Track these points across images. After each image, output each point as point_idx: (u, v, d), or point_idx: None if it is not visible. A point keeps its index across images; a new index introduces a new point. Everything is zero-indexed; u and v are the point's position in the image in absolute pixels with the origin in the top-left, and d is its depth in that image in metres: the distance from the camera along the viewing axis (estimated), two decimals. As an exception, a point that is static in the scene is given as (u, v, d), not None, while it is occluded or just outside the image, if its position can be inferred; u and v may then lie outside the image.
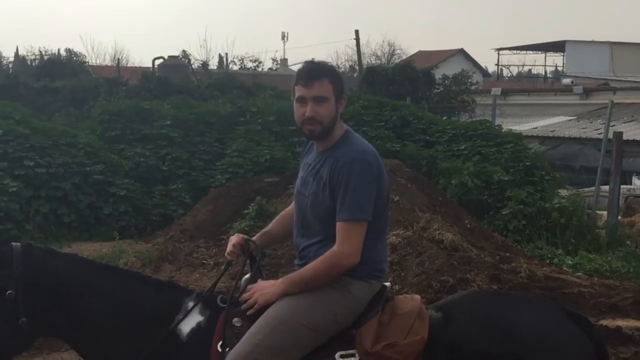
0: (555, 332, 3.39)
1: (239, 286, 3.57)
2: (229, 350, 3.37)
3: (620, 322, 8.85)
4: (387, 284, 3.62)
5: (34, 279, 3.42)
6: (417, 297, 3.63)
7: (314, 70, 3.52)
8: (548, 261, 11.82)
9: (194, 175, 14.73)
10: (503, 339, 3.34)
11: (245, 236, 3.73)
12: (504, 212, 13.37)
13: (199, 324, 3.50)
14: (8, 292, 3.35)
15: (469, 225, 12.27)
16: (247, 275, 3.62)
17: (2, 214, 11.89)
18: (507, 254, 11.29)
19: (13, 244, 3.49)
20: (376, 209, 3.47)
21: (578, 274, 11.26)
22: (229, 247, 3.70)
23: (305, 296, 3.42)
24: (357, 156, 3.43)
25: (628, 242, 12.85)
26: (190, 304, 3.54)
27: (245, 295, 3.48)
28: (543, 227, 12.99)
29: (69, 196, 13.13)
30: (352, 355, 3.37)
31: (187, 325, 3.49)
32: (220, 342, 3.39)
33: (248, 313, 3.44)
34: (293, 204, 3.78)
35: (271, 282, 3.51)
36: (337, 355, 3.38)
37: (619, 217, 13.76)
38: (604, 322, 8.77)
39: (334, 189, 3.43)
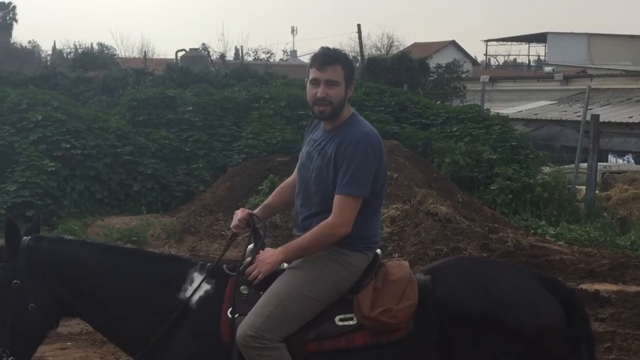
0: (529, 294, 3.38)
1: (245, 256, 3.50)
2: (238, 315, 3.31)
3: (598, 286, 8.81)
4: (379, 251, 3.56)
5: (41, 268, 3.40)
6: (406, 263, 3.58)
7: (329, 56, 3.45)
8: (532, 231, 11.77)
9: (213, 155, 14.68)
10: (485, 300, 3.32)
11: (250, 211, 3.66)
12: (492, 188, 13.33)
13: (207, 292, 3.43)
14: (14, 282, 3.36)
15: (460, 200, 12.24)
16: (251, 246, 3.55)
17: (42, 191, 11.89)
18: (496, 225, 11.26)
19: (24, 237, 3.46)
20: (375, 186, 3.42)
21: (560, 242, 11.20)
22: (234, 221, 3.63)
23: (310, 269, 3.37)
24: (362, 137, 3.37)
25: (605, 214, 12.80)
26: (196, 274, 3.48)
27: (249, 268, 3.41)
28: (528, 201, 12.95)
29: (102, 175, 13.12)
30: (351, 318, 3.33)
31: (195, 294, 3.43)
32: (230, 309, 3.34)
33: (254, 283, 3.38)
34: (292, 176, 3.71)
35: (271, 251, 3.44)
36: (337, 319, 3.35)
37: (597, 192, 13.70)
38: (584, 286, 8.72)
39: (337, 165, 3.37)
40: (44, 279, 3.39)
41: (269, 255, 3.41)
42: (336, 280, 3.37)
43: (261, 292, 3.37)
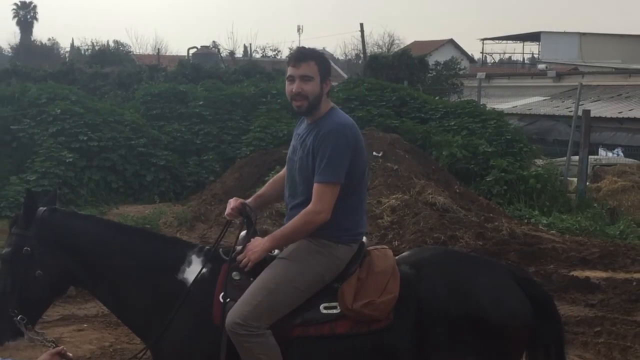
0: (506, 296, 3.38)
1: (237, 243, 3.48)
2: (229, 300, 3.30)
3: (588, 273, 8.77)
4: (365, 239, 3.54)
5: (51, 238, 3.41)
6: (390, 253, 3.53)
7: (302, 53, 3.47)
8: (526, 221, 11.73)
9: (222, 147, 14.68)
10: (464, 301, 3.31)
11: (242, 200, 3.63)
12: (488, 179, 13.27)
13: (202, 275, 3.41)
14: (25, 249, 3.37)
15: (457, 190, 12.19)
16: (244, 233, 3.53)
17: (61, 181, 11.91)
18: (491, 215, 11.21)
19: (40, 208, 3.48)
20: (354, 176, 3.39)
21: (552, 231, 11.15)
22: (228, 209, 3.60)
23: (297, 261, 3.35)
24: (335, 127, 3.36)
25: (595, 205, 12.74)
26: (194, 257, 3.47)
27: (239, 257, 3.39)
28: (522, 192, 12.90)
29: (117, 166, 13.13)
30: (335, 307, 3.32)
31: (192, 275, 3.41)
32: (222, 293, 3.33)
33: (244, 270, 3.37)
34: (284, 169, 3.69)
35: (259, 240, 3.42)
36: (321, 306, 3.33)
37: (587, 183, 13.64)
38: (575, 273, 8.69)
39: (315, 155, 3.36)
40: (52, 249, 3.40)
41: (257, 244, 3.39)
42: (321, 271, 3.35)
43: (252, 279, 3.35)
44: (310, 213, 3.33)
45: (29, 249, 3.36)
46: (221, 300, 3.31)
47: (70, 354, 3.50)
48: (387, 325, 3.29)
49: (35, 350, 3.46)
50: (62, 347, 3.41)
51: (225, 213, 3.62)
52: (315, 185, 3.33)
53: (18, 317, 3.32)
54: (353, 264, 3.41)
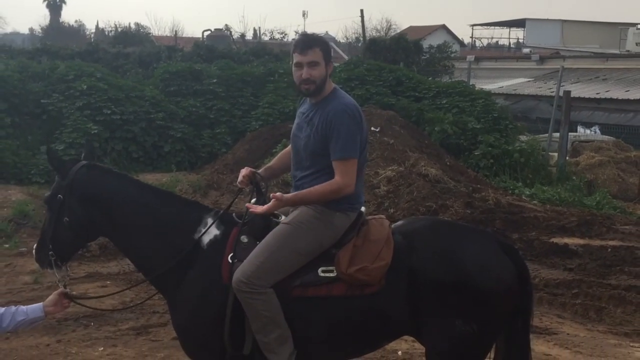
0: (492, 262, 3.29)
1: (247, 210, 3.42)
2: (236, 261, 3.28)
3: (567, 240, 8.73)
4: (363, 208, 3.49)
5: (80, 190, 3.41)
6: (387, 222, 3.46)
7: (308, 41, 3.40)
8: (510, 192, 11.67)
9: (234, 122, 14.59)
10: (453, 269, 3.22)
11: (253, 169, 3.57)
12: (476, 153, 13.19)
13: (215, 237, 3.39)
14: (58, 196, 3.42)
15: (448, 163, 12.12)
16: (254, 200, 3.47)
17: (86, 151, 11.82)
18: (478, 186, 11.15)
19: (81, 162, 3.49)
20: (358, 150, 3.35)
21: (534, 202, 11.10)
22: (240, 178, 3.54)
23: (299, 227, 3.31)
24: (344, 108, 3.33)
25: (574, 178, 12.69)
26: (210, 220, 3.44)
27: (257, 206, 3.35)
28: (507, 165, 12.83)
29: (138, 137, 13.05)
30: (331, 271, 3.28)
31: (207, 236, 3.39)
32: (231, 254, 3.30)
33: (257, 212, 3.30)
34: (290, 145, 3.64)
35: (281, 195, 3.35)
36: (319, 270, 3.29)
37: (567, 158, 13.57)
38: (554, 240, 8.64)
39: (324, 134, 3.31)
40: (80, 200, 3.39)
41: (280, 195, 3.35)
42: (320, 237, 3.31)
43: (257, 242, 3.31)
44: (338, 185, 3.29)
45: (61, 197, 3.40)
46: (229, 260, 3.29)
47: (74, 292, 3.49)
48: (379, 290, 3.25)
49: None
50: (67, 289, 3.46)
51: (237, 181, 3.56)
52: (338, 162, 3.29)
53: (50, 252, 3.41)
54: (350, 232, 3.37)
